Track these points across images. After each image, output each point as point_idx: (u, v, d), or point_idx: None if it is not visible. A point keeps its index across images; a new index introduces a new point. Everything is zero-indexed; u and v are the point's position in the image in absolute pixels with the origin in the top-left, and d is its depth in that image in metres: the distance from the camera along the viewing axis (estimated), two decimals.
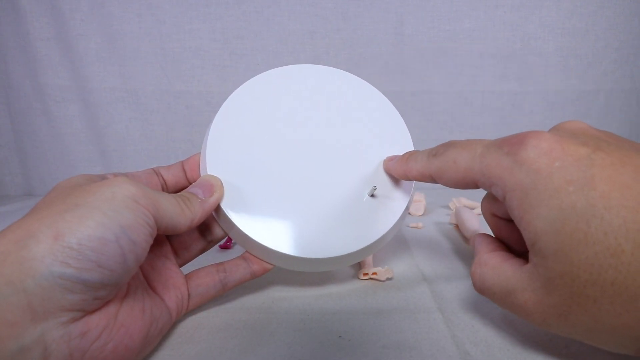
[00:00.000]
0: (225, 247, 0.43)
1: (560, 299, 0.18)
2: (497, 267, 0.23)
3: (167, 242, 0.29)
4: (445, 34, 0.70)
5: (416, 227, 0.49)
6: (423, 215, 0.55)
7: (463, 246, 0.42)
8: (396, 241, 0.44)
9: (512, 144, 0.20)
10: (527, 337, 0.25)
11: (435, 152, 0.25)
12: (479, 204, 0.56)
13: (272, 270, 0.30)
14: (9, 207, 0.66)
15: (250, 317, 0.29)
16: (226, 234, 0.31)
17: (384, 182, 0.31)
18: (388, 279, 0.34)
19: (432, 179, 0.26)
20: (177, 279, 0.27)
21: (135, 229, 0.20)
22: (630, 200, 0.16)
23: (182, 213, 0.24)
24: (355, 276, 0.35)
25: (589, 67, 0.71)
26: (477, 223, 0.43)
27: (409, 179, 0.29)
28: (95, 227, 0.19)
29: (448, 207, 0.58)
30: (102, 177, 0.25)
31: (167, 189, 0.30)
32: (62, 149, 0.73)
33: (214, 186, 0.27)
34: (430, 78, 0.72)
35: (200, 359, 0.24)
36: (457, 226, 0.48)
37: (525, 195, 0.19)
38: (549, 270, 0.18)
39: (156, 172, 0.30)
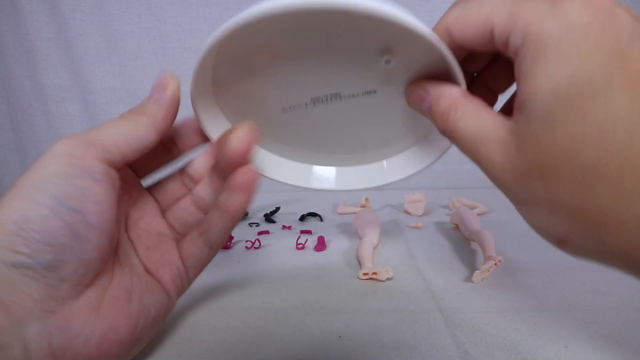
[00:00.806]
0: (225, 247, 0.43)
1: (526, 162, 0.17)
2: (477, 111, 0.20)
3: (150, 197, 0.26)
4: None
5: (416, 227, 0.49)
6: (423, 215, 0.55)
7: (463, 246, 0.42)
8: (396, 241, 0.44)
9: None
10: (527, 337, 0.25)
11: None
12: (479, 204, 0.56)
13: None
14: None
15: (250, 317, 0.29)
16: (190, 142, 0.27)
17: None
18: (388, 279, 0.34)
19: (448, 31, 0.22)
20: (170, 255, 0.25)
21: (74, 194, 0.19)
22: None
23: (136, 125, 0.21)
24: (355, 276, 0.35)
25: None
26: (478, 223, 0.43)
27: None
28: (29, 206, 0.18)
29: (448, 207, 0.58)
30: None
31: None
32: None
33: (166, 81, 0.23)
34: None
35: (200, 359, 0.24)
36: (457, 226, 0.48)
37: (545, 47, 0.16)
38: (529, 133, 0.17)
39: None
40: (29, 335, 0.17)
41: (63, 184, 0.18)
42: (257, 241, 0.43)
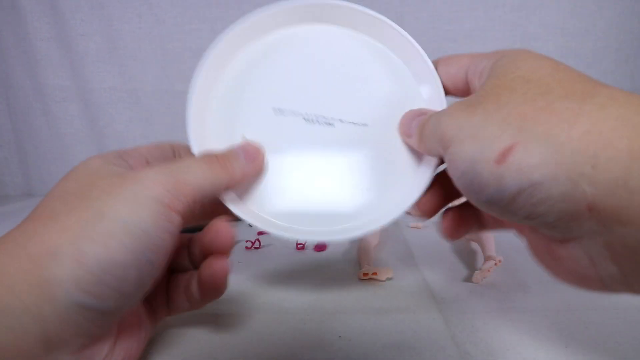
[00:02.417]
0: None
1: (482, 91, 0.19)
2: (443, 111, 0.22)
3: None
4: (445, 34, 0.70)
5: (416, 227, 0.49)
6: None
7: (463, 246, 0.42)
8: (396, 241, 0.44)
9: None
10: (527, 337, 0.25)
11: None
12: None
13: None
14: (9, 207, 0.66)
15: (251, 317, 0.29)
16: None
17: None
18: (388, 279, 0.34)
19: (436, 64, 0.26)
20: (163, 281, 0.25)
21: (156, 248, 0.19)
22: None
23: (216, 177, 0.21)
24: (355, 276, 0.35)
25: (589, 67, 0.71)
26: None
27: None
28: (119, 251, 0.17)
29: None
30: (120, 157, 0.23)
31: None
32: (62, 149, 0.73)
33: (258, 154, 0.24)
34: None
35: (200, 359, 0.24)
36: None
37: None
38: (491, 73, 0.20)
39: (175, 150, 0.26)
40: None
41: (151, 235, 0.18)
42: (257, 241, 0.43)
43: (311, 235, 0.25)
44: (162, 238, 0.19)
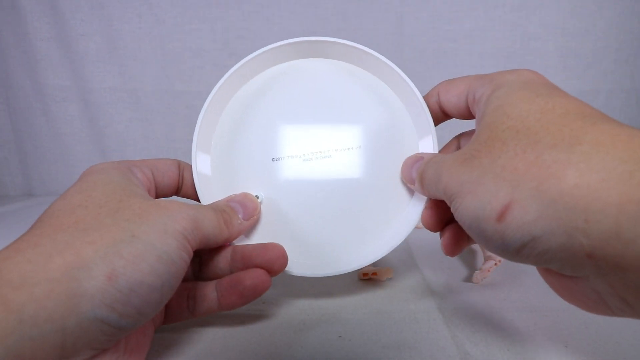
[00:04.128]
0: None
1: (477, 144, 0.20)
2: (440, 158, 0.23)
3: None
4: (445, 34, 0.70)
5: (416, 227, 0.49)
6: None
7: None
8: None
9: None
10: (527, 337, 0.25)
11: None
12: None
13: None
14: (9, 207, 0.66)
15: (251, 318, 0.29)
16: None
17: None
18: (388, 279, 0.34)
19: (437, 93, 0.28)
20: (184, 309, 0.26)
21: (178, 275, 0.20)
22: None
23: (220, 232, 0.23)
24: (355, 276, 0.35)
25: (588, 67, 0.71)
26: None
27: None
28: (149, 273, 0.18)
29: None
30: (130, 170, 0.24)
31: (180, 189, 0.28)
32: (62, 149, 0.73)
33: (254, 210, 0.26)
34: (430, 78, 0.71)
35: (201, 359, 0.24)
36: None
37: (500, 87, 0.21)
38: (482, 121, 0.20)
39: (180, 168, 0.28)
40: None
41: (176, 263, 0.20)
42: None
43: (314, 269, 0.28)
44: (182, 268, 0.20)
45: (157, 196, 0.27)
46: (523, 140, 0.18)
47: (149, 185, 0.25)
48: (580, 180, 0.15)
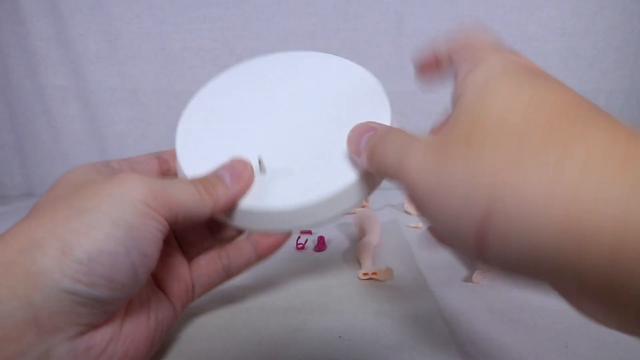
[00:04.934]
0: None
1: (450, 140, 0.16)
2: (400, 134, 0.20)
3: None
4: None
5: (416, 227, 0.49)
6: None
7: None
8: (396, 241, 0.44)
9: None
10: (527, 337, 0.25)
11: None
12: None
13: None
14: (9, 207, 0.66)
15: (250, 317, 0.29)
16: (237, 232, 0.28)
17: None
18: (388, 279, 0.34)
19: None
20: (181, 269, 0.26)
21: (146, 239, 0.19)
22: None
23: (201, 201, 0.22)
24: (356, 276, 0.35)
25: (589, 67, 0.71)
26: None
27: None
28: (105, 240, 0.18)
29: None
30: (107, 165, 0.24)
31: (170, 173, 0.28)
32: (62, 149, 0.73)
33: (243, 172, 0.23)
34: None
35: (201, 359, 0.24)
36: None
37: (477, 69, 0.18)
38: (460, 106, 0.17)
39: (157, 157, 0.27)
40: (56, 354, 0.17)
41: (140, 229, 0.19)
42: None
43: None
44: (152, 232, 0.19)
45: None
46: (505, 143, 0.15)
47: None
48: (572, 202, 0.13)
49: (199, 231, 0.28)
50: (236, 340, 0.26)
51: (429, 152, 0.17)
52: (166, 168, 0.28)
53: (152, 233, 0.19)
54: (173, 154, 0.27)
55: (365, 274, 0.34)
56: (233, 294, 0.32)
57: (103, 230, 0.18)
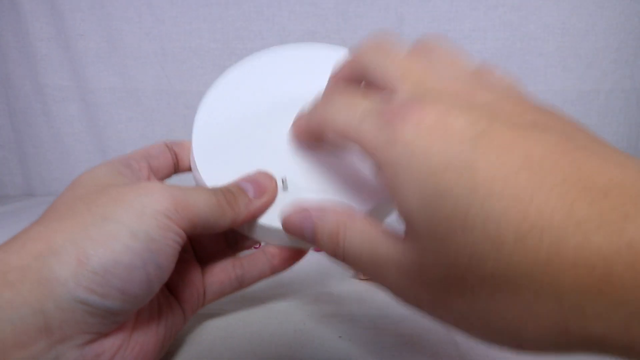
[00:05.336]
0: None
1: (436, 283, 0.16)
2: (367, 231, 0.19)
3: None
4: (446, 33, 0.70)
5: None
6: None
7: None
8: None
9: (394, 114, 0.16)
10: None
11: (320, 103, 0.21)
12: None
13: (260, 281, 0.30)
14: (9, 207, 0.66)
15: (251, 317, 0.29)
16: (254, 242, 0.29)
17: None
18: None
19: (320, 135, 0.22)
20: (194, 275, 0.26)
21: (163, 252, 0.19)
22: (513, 188, 0.14)
23: (222, 214, 0.21)
24: (355, 277, 0.35)
25: (588, 67, 0.71)
26: None
27: (302, 138, 0.24)
28: (123, 252, 0.18)
29: None
30: (127, 165, 0.23)
31: (178, 166, 0.27)
32: (62, 149, 0.73)
33: (267, 187, 0.23)
34: None
35: (200, 359, 0.24)
36: None
37: (398, 174, 0.16)
38: (425, 253, 0.16)
39: (169, 147, 0.27)
40: None
41: (159, 242, 0.19)
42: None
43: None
44: (170, 245, 0.19)
45: (159, 180, 0.26)
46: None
47: (147, 173, 0.25)
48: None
49: (215, 239, 0.28)
50: (236, 340, 0.26)
51: (418, 286, 0.17)
52: (178, 159, 0.27)
53: (170, 245, 0.19)
54: (183, 146, 0.27)
55: (365, 275, 0.34)
56: (233, 294, 0.32)
57: (121, 241, 0.18)
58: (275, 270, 0.28)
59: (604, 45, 0.71)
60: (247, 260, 0.27)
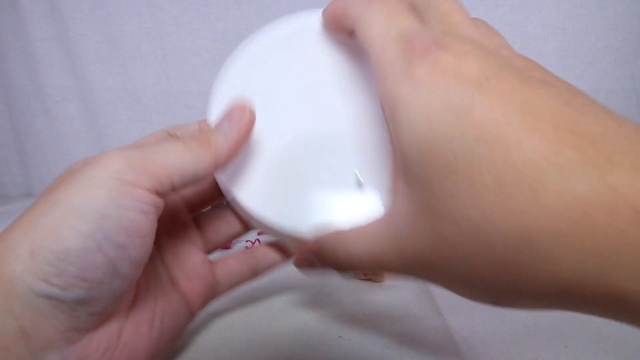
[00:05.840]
0: (225, 247, 0.43)
1: (419, 236, 0.16)
2: (356, 232, 0.19)
3: (192, 224, 0.26)
4: None
5: None
6: None
7: None
8: None
9: (415, 49, 0.16)
10: (527, 337, 0.25)
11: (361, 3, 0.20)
12: None
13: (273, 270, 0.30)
14: (9, 207, 0.66)
15: (251, 318, 0.29)
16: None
17: None
18: (388, 279, 0.34)
19: (350, 27, 0.20)
20: (202, 268, 0.24)
21: (122, 227, 0.17)
22: (502, 131, 0.13)
23: (196, 157, 0.19)
24: (355, 276, 0.35)
25: (588, 67, 0.71)
26: None
27: (331, 24, 0.23)
28: (71, 237, 0.16)
29: None
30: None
31: None
32: (62, 149, 0.73)
33: (241, 110, 0.21)
34: None
35: (200, 359, 0.24)
36: None
37: (398, 111, 0.16)
38: (414, 200, 0.16)
39: (170, 134, 0.25)
40: None
41: (113, 216, 0.17)
42: (257, 241, 0.43)
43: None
44: (128, 218, 0.17)
45: None
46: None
47: None
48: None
49: (224, 218, 0.26)
50: (236, 340, 0.26)
51: (404, 241, 0.16)
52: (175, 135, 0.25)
53: (132, 217, 0.17)
54: (186, 129, 0.25)
55: (365, 274, 0.34)
56: (232, 294, 0.32)
57: (70, 226, 0.16)
58: (287, 257, 0.27)
59: (604, 45, 0.71)
60: (259, 251, 0.26)
